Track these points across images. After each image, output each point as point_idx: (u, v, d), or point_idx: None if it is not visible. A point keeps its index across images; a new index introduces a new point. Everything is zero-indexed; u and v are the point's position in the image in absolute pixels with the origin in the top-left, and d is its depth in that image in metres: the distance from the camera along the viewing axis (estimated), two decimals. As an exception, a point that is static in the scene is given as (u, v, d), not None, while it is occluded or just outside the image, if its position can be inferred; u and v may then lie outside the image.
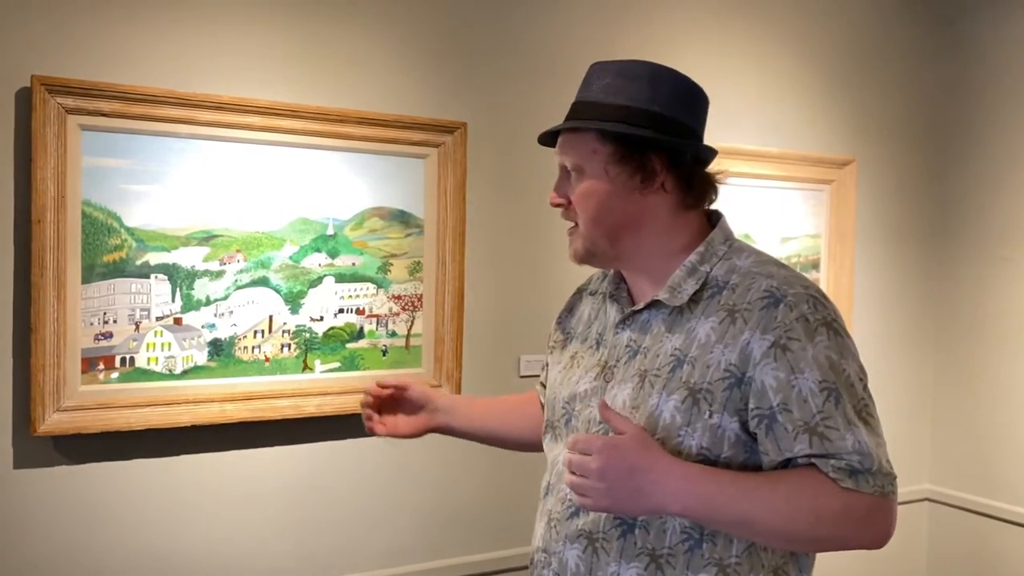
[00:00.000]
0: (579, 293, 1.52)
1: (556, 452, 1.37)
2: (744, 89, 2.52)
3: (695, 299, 1.26)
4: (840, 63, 2.70)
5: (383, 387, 1.53)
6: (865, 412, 1.19)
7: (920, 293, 2.91)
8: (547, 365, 1.54)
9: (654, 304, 1.29)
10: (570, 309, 1.51)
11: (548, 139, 1.36)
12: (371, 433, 1.53)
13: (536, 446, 1.56)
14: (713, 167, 1.36)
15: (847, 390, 1.18)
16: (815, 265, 2.63)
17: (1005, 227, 2.75)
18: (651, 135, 1.25)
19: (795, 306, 1.19)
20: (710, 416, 1.19)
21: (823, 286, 2.65)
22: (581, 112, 1.30)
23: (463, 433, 1.61)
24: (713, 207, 1.41)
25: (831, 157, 2.63)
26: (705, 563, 1.21)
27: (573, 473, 1.18)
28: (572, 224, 1.32)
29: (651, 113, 1.26)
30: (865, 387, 1.21)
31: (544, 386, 1.56)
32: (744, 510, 1.16)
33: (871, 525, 1.17)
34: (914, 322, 2.90)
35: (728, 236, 1.34)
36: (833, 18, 2.68)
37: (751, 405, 1.18)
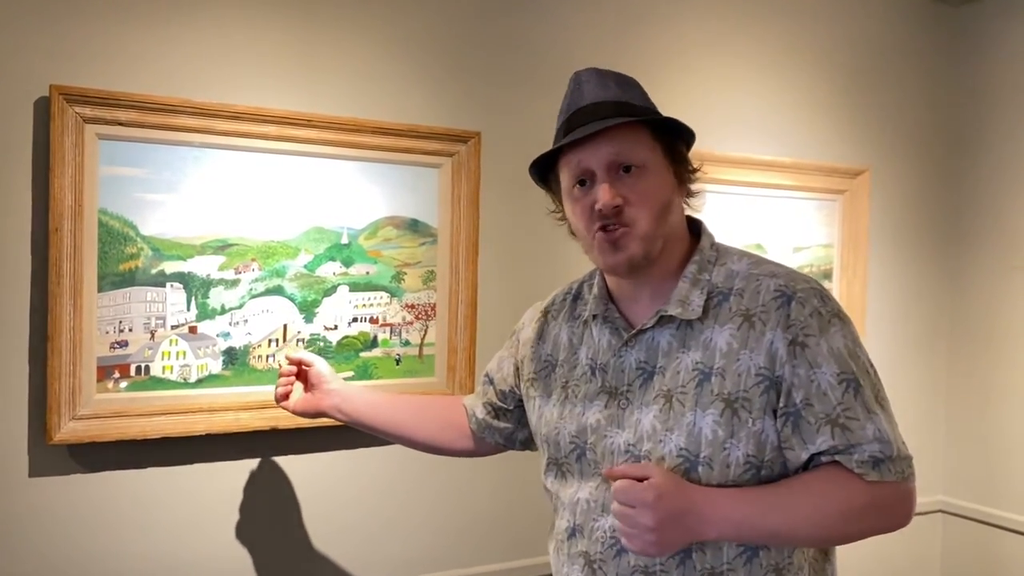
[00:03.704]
0: (544, 316, 1.47)
1: (571, 491, 1.34)
2: (757, 99, 2.52)
3: (703, 309, 1.25)
4: (853, 73, 2.70)
5: (292, 361, 1.69)
6: (880, 396, 1.22)
7: (933, 303, 2.90)
8: (511, 388, 1.54)
9: (659, 321, 1.27)
10: (540, 335, 1.45)
11: (544, 159, 1.31)
12: (277, 400, 1.68)
13: (442, 450, 1.65)
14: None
15: (863, 377, 1.20)
16: (828, 275, 2.63)
17: (1019, 237, 2.74)
18: (693, 134, 1.28)
19: (806, 302, 1.21)
20: (752, 424, 1.19)
21: (835, 296, 2.64)
22: (616, 111, 1.23)
23: (357, 422, 1.65)
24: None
25: (844, 167, 2.63)
26: (764, 571, 1.22)
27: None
28: (617, 228, 1.23)
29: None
30: (875, 371, 1.24)
31: (493, 391, 1.56)
32: (775, 524, 1.17)
33: (896, 510, 1.21)
34: (927, 332, 2.89)
35: (712, 241, 1.34)
36: (846, 29, 2.68)
37: (780, 403, 1.19)
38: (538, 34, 2.17)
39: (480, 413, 1.58)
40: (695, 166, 1.32)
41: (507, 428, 1.57)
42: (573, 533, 1.32)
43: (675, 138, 1.29)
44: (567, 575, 1.34)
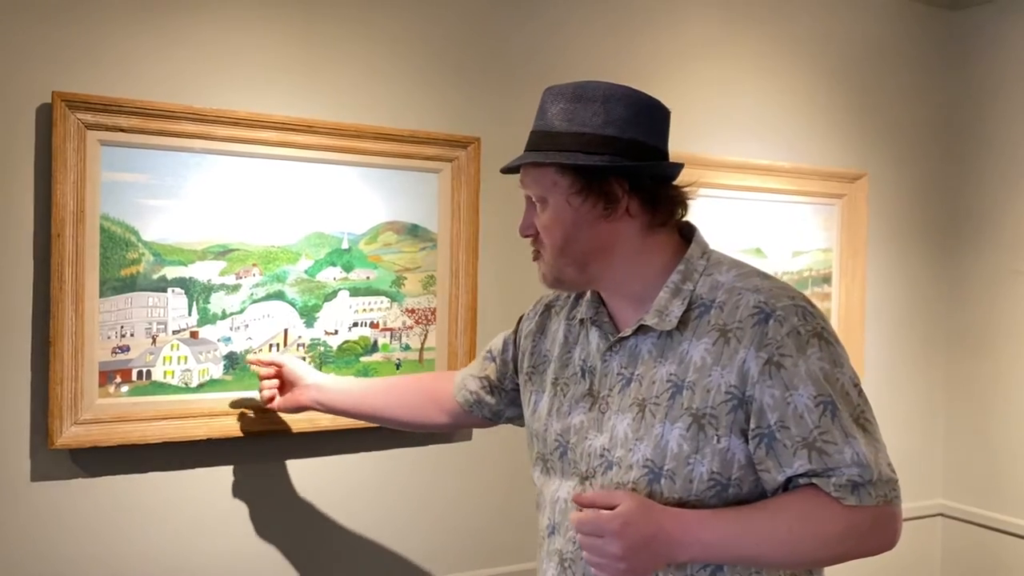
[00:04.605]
0: (547, 310, 1.49)
1: (553, 488, 1.36)
2: (755, 103, 2.53)
3: (683, 320, 1.24)
4: (851, 77, 2.71)
5: (260, 363, 1.75)
6: (862, 418, 1.19)
7: (932, 307, 2.91)
8: (504, 370, 1.57)
9: (641, 328, 1.27)
10: (542, 329, 1.48)
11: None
12: (265, 403, 1.76)
13: (421, 426, 1.71)
14: (683, 179, 1.34)
15: (842, 399, 1.17)
16: (827, 279, 2.64)
17: (1017, 241, 2.75)
18: (607, 162, 1.22)
19: (785, 320, 1.19)
20: (718, 441, 1.19)
21: (834, 300, 2.65)
22: (538, 143, 1.27)
23: (336, 410, 1.73)
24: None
25: (842, 171, 2.64)
26: None
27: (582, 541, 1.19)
28: (538, 251, 1.32)
29: (607, 137, 1.23)
30: (860, 392, 1.21)
31: (494, 368, 1.58)
32: (748, 547, 1.17)
33: (877, 535, 1.19)
34: (926, 336, 2.90)
35: (704, 249, 1.32)
36: (845, 33, 2.69)
37: (751, 424, 1.18)
38: (538, 40, 2.18)
39: (473, 386, 1.60)
40: (619, 195, 1.25)
41: (497, 406, 1.60)
42: (552, 531, 1.34)
43: (593, 169, 1.24)
44: (545, 571, 1.37)
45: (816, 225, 2.62)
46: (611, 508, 1.17)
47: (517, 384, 1.55)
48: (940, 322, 2.93)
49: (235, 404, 1.81)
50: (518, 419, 1.60)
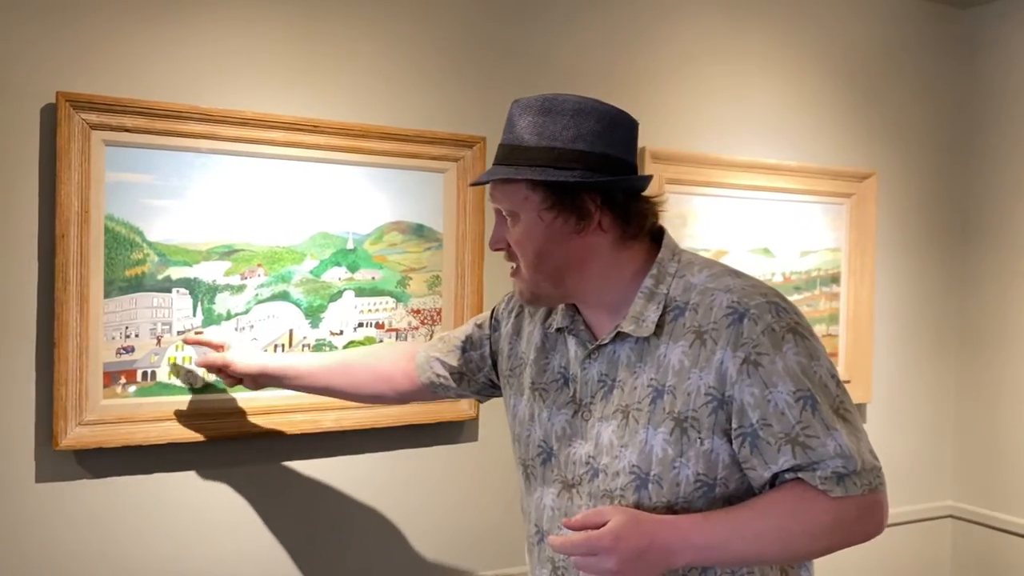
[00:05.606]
0: (522, 310, 1.49)
1: (536, 496, 1.37)
2: (763, 103, 2.51)
3: (659, 324, 1.25)
4: (859, 77, 2.69)
5: (193, 342, 1.73)
6: (842, 409, 1.20)
7: (941, 307, 2.89)
8: (475, 354, 1.57)
9: (619, 335, 1.28)
10: (517, 331, 1.47)
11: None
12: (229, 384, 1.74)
13: (380, 402, 1.73)
14: (655, 186, 1.32)
15: (821, 392, 1.18)
16: (835, 279, 2.62)
17: (1027, 241, 2.73)
18: (579, 178, 1.21)
19: (759, 318, 1.19)
20: (701, 443, 1.20)
21: (843, 300, 2.63)
22: (507, 157, 1.26)
23: (291, 388, 1.73)
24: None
25: (851, 171, 2.62)
26: None
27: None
28: (514, 266, 1.31)
29: (577, 152, 1.22)
30: (838, 383, 1.22)
31: (465, 360, 1.58)
32: (741, 547, 1.18)
33: (864, 523, 1.20)
34: (935, 336, 2.88)
35: (675, 251, 1.32)
36: (853, 32, 2.68)
37: (733, 424, 1.19)
38: (543, 40, 2.17)
39: (441, 371, 1.60)
40: (591, 211, 1.25)
41: (461, 391, 1.62)
42: (542, 538, 1.35)
43: (565, 185, 1.23)
44: None
45: (824, 225, 2.60)
46: (601, 526, 1.17)
47: (491, 378, 1.57)
48: (949, 322, 2.90)
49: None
50: (479, 399, 1.66)
